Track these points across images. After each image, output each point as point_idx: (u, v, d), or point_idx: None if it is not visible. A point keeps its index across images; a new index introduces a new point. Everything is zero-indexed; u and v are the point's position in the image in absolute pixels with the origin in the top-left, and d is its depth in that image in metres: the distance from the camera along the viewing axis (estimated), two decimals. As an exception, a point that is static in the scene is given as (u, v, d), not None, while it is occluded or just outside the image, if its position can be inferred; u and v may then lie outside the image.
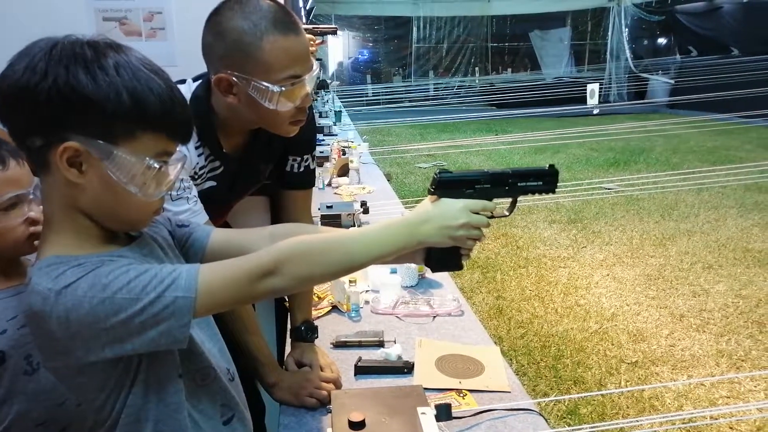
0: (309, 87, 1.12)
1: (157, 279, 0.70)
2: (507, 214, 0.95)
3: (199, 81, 1.20)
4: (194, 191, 1.18)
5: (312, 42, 2.03)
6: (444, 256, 0.92)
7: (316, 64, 1.14)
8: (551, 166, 0.94)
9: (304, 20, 6.11)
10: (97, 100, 0.68)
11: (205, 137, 1.20)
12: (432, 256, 0.93)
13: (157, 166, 0.74)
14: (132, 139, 0.72)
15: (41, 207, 0.86)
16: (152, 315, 0.69)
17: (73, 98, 0.68)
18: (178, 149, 0.79)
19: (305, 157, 1.41)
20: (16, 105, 0.70)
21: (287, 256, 0.77)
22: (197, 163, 1.21)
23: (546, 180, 0.94)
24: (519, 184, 0.94)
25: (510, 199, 0.96)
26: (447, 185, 0.90)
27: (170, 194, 1.11)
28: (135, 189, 0.73)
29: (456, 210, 0.88)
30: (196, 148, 1.19)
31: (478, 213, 0.89)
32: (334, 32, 2.62)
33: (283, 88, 1.06)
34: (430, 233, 0.87)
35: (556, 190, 0.95)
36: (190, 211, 1.14)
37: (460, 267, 0.95)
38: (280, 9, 1.07)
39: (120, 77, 0.70)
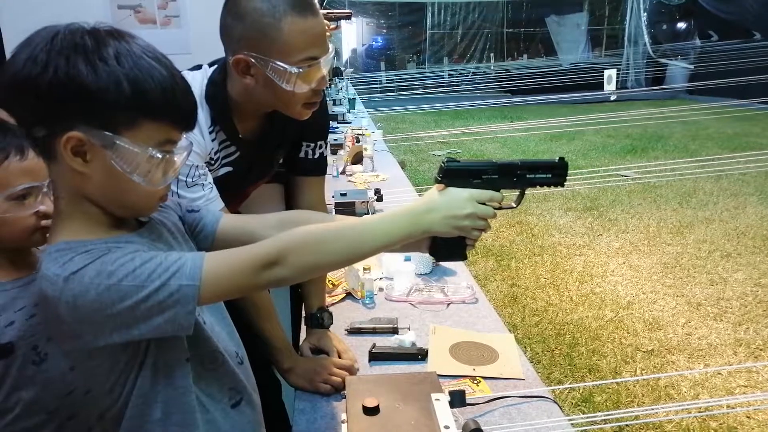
0: (325, 69, 1.13)
1: (162, 267, 0.71)
2: (514, 205, 0.94)
3: (215, 66, 1.20)
4: (209, 178, 1.18)
5: (327, 27, 2.02)
6: (449, 246, 0.92)
7: (331, 47, 1.14)
8: (561, 158, 0.93)
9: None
10: (98, 90, 0.69)
11: (221, 122, 1.20)
12: (437, 246, 0.93)
13: (159, 156, 0.74)
14: (134, 128, 0.72)
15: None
16: (157, 302, 0.70)
17: (73, 89, 0.68)
18: (184, 137, 0.79)
19: (319, 143, 1.41)
20: (19, 96, 0.70)
21: (291, 246, 0.77)
22: (212, 149, 1.21)
23: (555, 173, 0.93)
24: (527, 176, 0.92)
25: (518, 191, 0.95)
26: (454, 174, 0.89)
27: (186, 181, 1.12)
28: (139, 178, 0.73)
29: (462, 200, 0.87)
30: (210, 133, 1.20)
31: (484, 203, 0.89)
32: (348, 17, 2.61)
33: (301, 70, 1.07)
34: (434, 222, 0.86)
35: (569, 179, 0.93)
36: (205, 198, 1.15)
37: (464, 257, 0.95)
38: None
39: (120, 66, 0.70)
